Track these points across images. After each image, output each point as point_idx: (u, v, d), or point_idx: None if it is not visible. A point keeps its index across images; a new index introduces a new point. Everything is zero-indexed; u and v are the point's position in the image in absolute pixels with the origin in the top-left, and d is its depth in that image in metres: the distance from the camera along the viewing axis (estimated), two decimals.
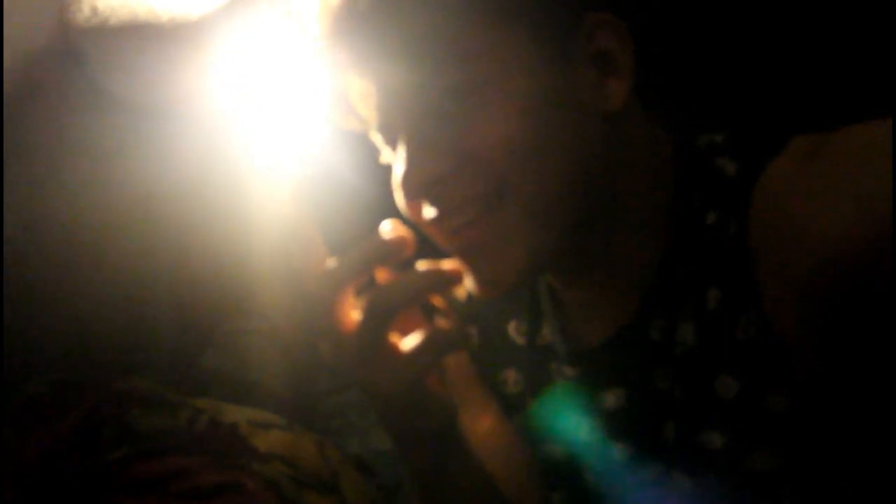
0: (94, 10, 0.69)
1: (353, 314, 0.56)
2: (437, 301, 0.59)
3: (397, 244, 0.56)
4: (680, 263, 0.60)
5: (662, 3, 0.80)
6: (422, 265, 0.57)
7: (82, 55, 0.73)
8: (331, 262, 0.57)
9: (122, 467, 0.70)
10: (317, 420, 0.91)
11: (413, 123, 0.57)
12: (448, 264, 0.58)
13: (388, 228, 0.57)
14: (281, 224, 1.00)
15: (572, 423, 0.68)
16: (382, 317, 0.54)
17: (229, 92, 0.73)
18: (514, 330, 0.73)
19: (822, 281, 0.53)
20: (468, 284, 0.61)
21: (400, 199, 0.61)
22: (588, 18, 0.57)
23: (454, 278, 0.56)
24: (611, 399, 0.66)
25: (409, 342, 0.55)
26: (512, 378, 0.73)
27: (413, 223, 0.63)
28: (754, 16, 0.88)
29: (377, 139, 0.61)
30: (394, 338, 0.55)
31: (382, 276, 0.58)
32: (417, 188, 0.58)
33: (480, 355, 0.75)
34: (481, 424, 0.75)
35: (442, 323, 0.57)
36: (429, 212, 0.59)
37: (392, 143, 0.60)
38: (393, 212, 0.62)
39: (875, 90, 0.81)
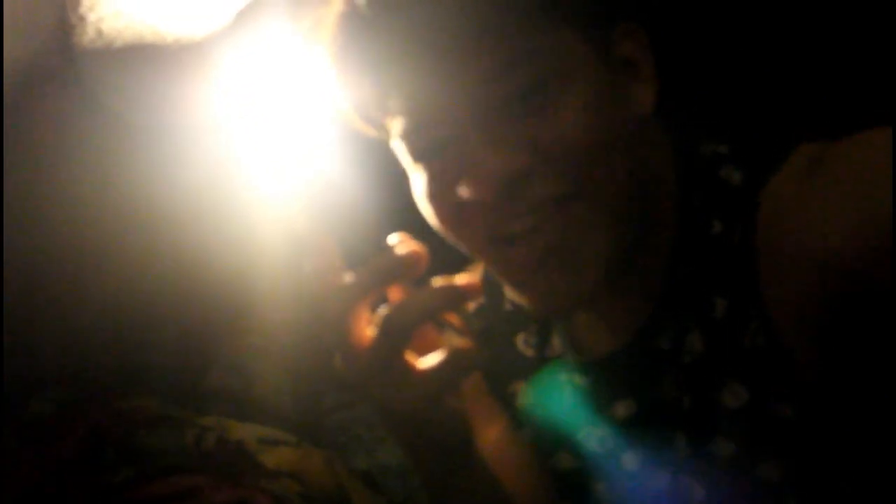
0: (100, 33, 0.69)
1: (368, 330, 0.55)
2: (453, 318, 0.58)
3: (412, 259, 0.55)
4: (686, 273, 0.61)
5: (669, 13, 0.81)
6: (437, 281, 0.56)
7: (87, 77, 0.73)
8: (346, 277, 0.57)
9: (129, 489, 0.69)
10: (323, 436, 0.90)
11: (485, 120, 0.56)
12: (463, 279, 0.57)
13: (397, 242, 0.57)
14: (287, 240, 1.00)
15: (582, 435, 0.68)
16: (398, 335, 0.53)
17: (235, 109, 0.73)
18: (522, 342, 0.73)
19: (826, 289, 0.54)
20: (529, 304, 0.60)
21: (430, 207, 0.60)
22: (619, 26, 0.58)
23: (470, 294, 0.56)
24: (621, 409, 0.65)
25: (427, 361, 0.55)
26: (522, 390, 0.73)
27: (431, 234, 0.62)
28: (759, 25, 0.89)
29: (406, 145, 0.60)
30: (411, 357, 0.55)
31: (395, 292, 0.58)
32: (499, 183, 0.55)
33: (490, 369, 0.75)
34: (491, 436, 0.75)
35: (459, 342, 0.56)
36: (487, 215, 0.58)
37: (433, 148, 0.58)
38: (403, 223, 0.61)
39: (879, 98, 0.82)
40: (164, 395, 0.80)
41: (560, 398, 0.70)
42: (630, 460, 0.65)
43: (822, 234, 0.53)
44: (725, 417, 0.59)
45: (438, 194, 0.59)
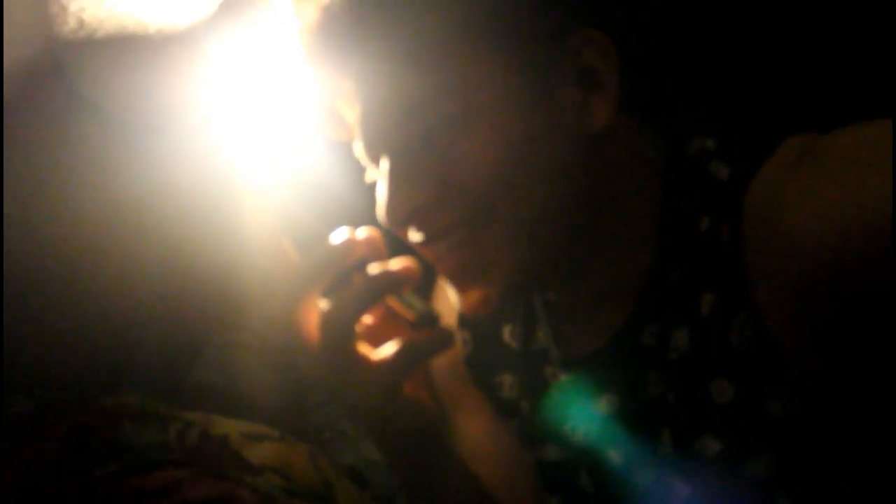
0: (81, 23, 0.69)
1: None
2: (396, 306, 0.58)
3: (349, 245, 0.56)
4: (672, 269, 0.61)
5: (652, 10, 0.81)
6: (372, 268, 0.56)
7: (68, 68, 0.72)
8: (294, 264, 0.57)
9: (112, 483, 0.69)
10: (309, 432, 0.90)
11: (396, 149, 0.57)
12: (398, 263, 0.57)
13: (343, 230, 0.57)
14: (270, 236, 0.99)
15: (568, 428, 0.68)
16: (340, 327, 0.53)
17: (216, 102, 0.73)
18: (508, 335, 0.73)
19: (815, 283, 0.54)
20: (459, 304, 0.61)
21: (384, 221, 0.61)
22: (574, 37, 0.57)
23: (406, 277, 0.56)
24: (604, 405, 0.65)
25: (382, 352, 0.55)
26: (507, 382, 0.73)
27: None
28: (746, 20, 0.89)
29: (361, 156, 0.61)
30: (365, 349, 0.55)
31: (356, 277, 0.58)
32: (399, 217, 0.58)
33: (474, 360, 0.75)
34: (476, 428, 0.75)
35: (413, 332, 0.57)
36: (414, 237, 0.59)
37: (375, 162, 0.60)
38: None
39: (866, 92, 0.82)
40: (148, 391, 0.80)
41: (545, 390, 0.70)
42: (615, 455, 0.65)
43: (810, 227, 0.53)
44: (712, 414, 0.59)
45: (376, 202, 0.61)
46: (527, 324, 0.71)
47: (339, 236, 0.56)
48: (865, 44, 0.85)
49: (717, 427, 0.60)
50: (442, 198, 0.56)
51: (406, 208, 0.56)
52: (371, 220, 0.64)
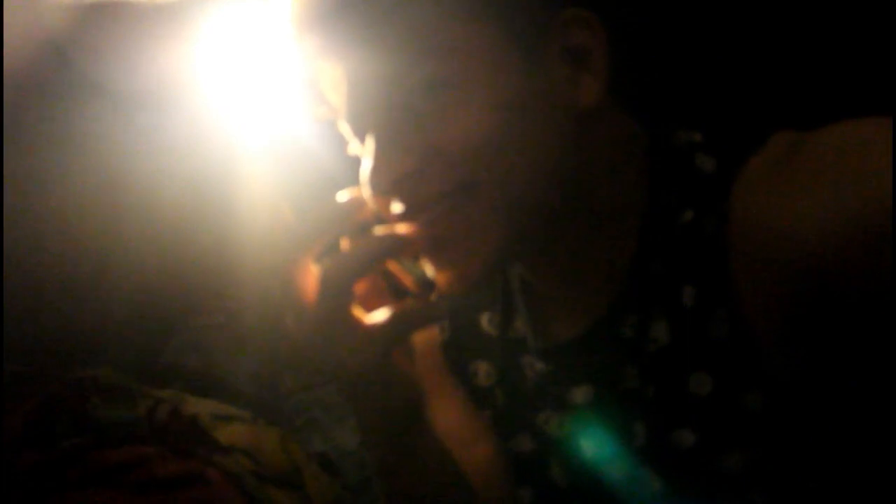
0: None
1: (313, 285, 0.54)
2: (397, 270, 0.58)
3: (352, 205, 0.55)
4: (654, 261, 0.60)
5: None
6: (378, 230, 0.56)
7: (56, 35, 0.71)
8: (293, 224, 0.56)
9: (77, 457, 0.68)
10: (281, 417, 0.89)
11: (382, 117, 0.56)
12: (404, 228, 0.57)
13: (339, 193, 0.57)
14: (252, 217, 0.99)
15: (542, 418, 0.67)
16: (339, 286, 0.52)
17: (206, 76, 0.72)
18: (486, 322, 0.72)
19: (800, 279, 0.54)
20: (438, 280, 0.60)
21: (367, 192, 0.60)
22: (563, 14, 0.57)
23: (409, 242, 0.55)
24: (579, 395, 0.65)
25: (375, 317, 0.54)
26: (483, 370, 0.72)
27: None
28: (736, 11, 0.89)
29: (346, 130, 0.60)
30: (359, 312, 0.54)
31: (345, 243, 0.57)
32: (384, 185, 0.57)
33: (451, 347, 0.74)
34: (449, 414, 0.74)
35: (409, 300, 0.56)
36: (396, 208, 0.58)
37: (360, 135, 0.59)
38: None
39: (857, 89, 0.82)
40: (119, 367, 0.78)
41: (521, 380, 0.69)
42: (587, 447, 0.65)
43: (795, 223, 0.53)
44: (689, 406, 0.59)
45: (360, 175, 0.60)
46: (505, 311, 0.71)
47: (342, 196, 0.55)
48: (856, 42, 0.85)
49: (694, 420, 0.59)
50: (427, 167, 0.55)
51: (390, 176, 0.56)
52: None
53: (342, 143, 0.64)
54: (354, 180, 0.63)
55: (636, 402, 0.62)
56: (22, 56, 0.71)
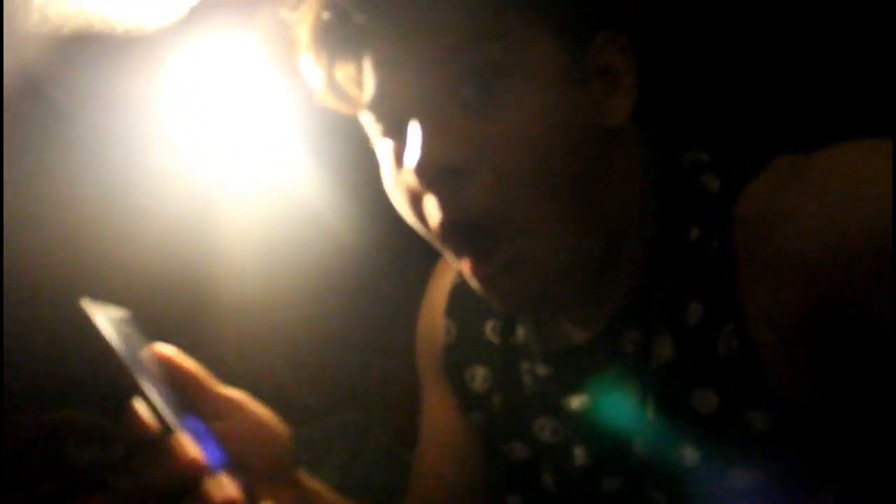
0: (45, 18, 0.66)
1: None
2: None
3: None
4: (660, 276, 0.60)
5: (660, 23, 0.82)
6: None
7: (30, 66, 0.70)
8: None
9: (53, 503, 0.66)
10: None
11: (429, 103, 0.54)
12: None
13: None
14: (230, 255, 0.97)
15: (537, 425, 0.67)
16: None
17: (183, 105, 0.71)
18: (490, 329, 0.71)
19: (802, 298, 0.53)
20: (495, 304, 0.59)
21: (395, 187, 0.59)
22: (601, 34, 0.57)
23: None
24: (575, 403, 0.64)
25: None
26: (480, 375, 0.71)
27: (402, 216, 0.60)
28: (746, 37, 0.90)
29: (371, 120, 0.58)
30: None
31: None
32: (431, 173, 0.54)
33: (454, 350, 0.73)
34: (438, 418, 0.73)
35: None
36: (432, 207, 0.56)
37: (395, 124, 0.57)
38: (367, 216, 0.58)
39: (862, 110, 0.83)
40: (96, 406, 0.76)
41: (519, 386, 0.68)
42: (580, 455, 0.63)
43: (796, 243, 0.53)
44: (693, 424, 0.58)
45: (392, 174, 0.58)
46: (509, 318, 0.70)
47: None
48: (861, 66, 0.86)
49: (698, 437, 0.58)
50: (476, 162, 0.54)
51: (441, 166, 0.53)
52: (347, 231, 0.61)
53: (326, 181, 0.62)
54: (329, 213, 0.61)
55: (635, 416, 0.61)
56: None
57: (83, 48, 0.68)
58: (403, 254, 0.92)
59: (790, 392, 0.54)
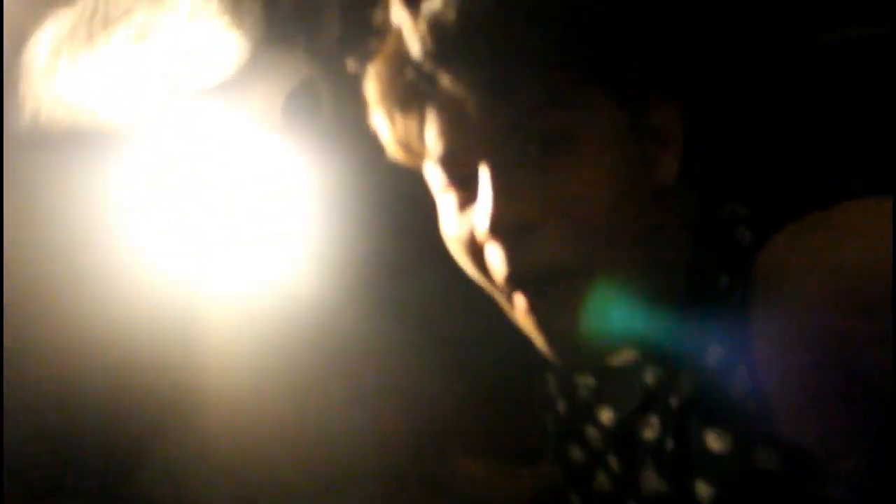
0: (36, 123, 0.70)
1: None
2: None
3: None
4: (689, 319, 0.62)
5: (706, 86, 0.86)
6: None
7: (17, 166, 0.73)
8: None
9: None
10: None
11: (502, 163, 0.57)
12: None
13: None
14: (219, 337, 0.98)
15: (589, 431, 0.72)
16: None
17: (162, 195, 0.73)
18: None
19: (807, 346, 0.55)
20: (549, 354, 0.62)
21: (455, 237, 0.62)
22: (653, 98, 0.61)
23: None
24: (605, 415, 0.70)
25: None
26: (552, 380, 0.79)
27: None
28: (790, 91, 0.94)
29: (437, 172, 0.61)
30: None
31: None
32: (503, 227, 0.57)
33: (538, 354, 0.77)
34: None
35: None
36: (497, 259, 0.58)
37: (461, 179, 0.60)
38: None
39: None
40: (87, 497, 0.76)
41: (575, 393, 0.75)
42: (613, 462, 0.70)
43: (804, 296, 0.56)
44: (706, 461, 0.60)
45: (456, 224, 0.62)
46: None
47: None
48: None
49: (711, 474, 0.60)
50: (543, 224, 0.57)
51: (512, 221, 0.57)
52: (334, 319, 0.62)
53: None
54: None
55: (653, 449, 0.65)
56: None
57: (68, 146, 0.71)
58: (392, 334, 0.94)
59: (799, 436, 0.56)
